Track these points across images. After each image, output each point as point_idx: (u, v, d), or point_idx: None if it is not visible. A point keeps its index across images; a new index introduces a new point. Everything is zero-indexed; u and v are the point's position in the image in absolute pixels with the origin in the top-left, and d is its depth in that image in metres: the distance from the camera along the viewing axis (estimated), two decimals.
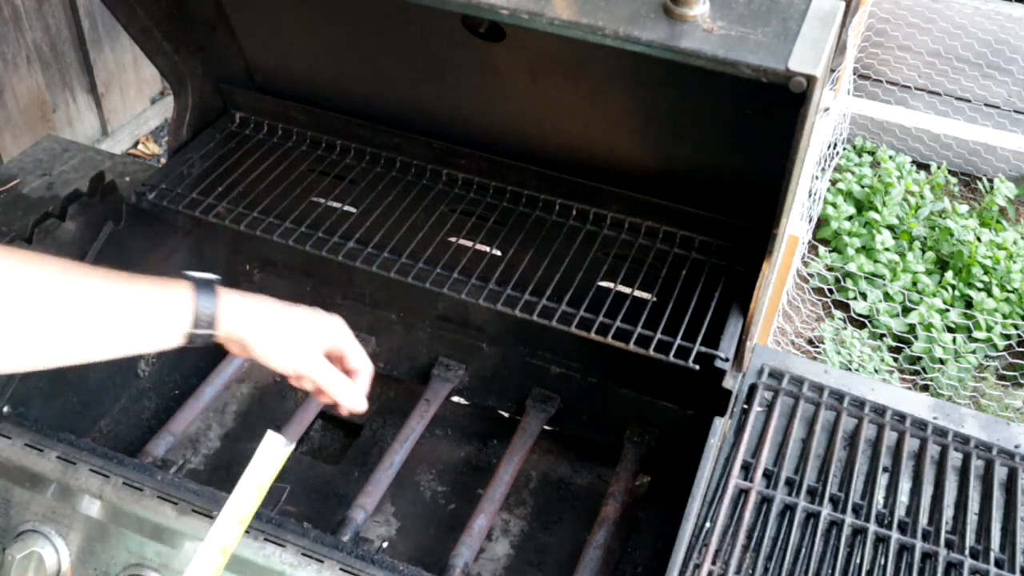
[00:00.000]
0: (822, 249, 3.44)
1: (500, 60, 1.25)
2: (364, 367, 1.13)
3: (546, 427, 1.53)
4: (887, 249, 3.36)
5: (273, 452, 1.06)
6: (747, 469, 1.24)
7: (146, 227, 1.46)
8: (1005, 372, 3.03)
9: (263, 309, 1.05)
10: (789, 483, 1.24)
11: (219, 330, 1.01)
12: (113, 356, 0.97)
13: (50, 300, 0.90)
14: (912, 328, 3.10)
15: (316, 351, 1.08)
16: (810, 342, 3.10)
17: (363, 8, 1.29)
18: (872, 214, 3.47)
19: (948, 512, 1.22)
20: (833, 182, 3.68)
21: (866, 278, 3.26)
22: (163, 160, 3.31)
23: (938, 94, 4.04)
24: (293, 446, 1.12)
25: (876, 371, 2.97)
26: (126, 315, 0.96)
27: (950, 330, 3.13)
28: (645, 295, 1.29)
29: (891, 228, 3.49)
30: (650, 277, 1.30)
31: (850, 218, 3.52)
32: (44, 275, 0.91)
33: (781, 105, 0.94)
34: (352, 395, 1.09)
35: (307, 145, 1.50)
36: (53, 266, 0.92)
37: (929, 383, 2.98)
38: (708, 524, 1.16)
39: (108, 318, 0.94)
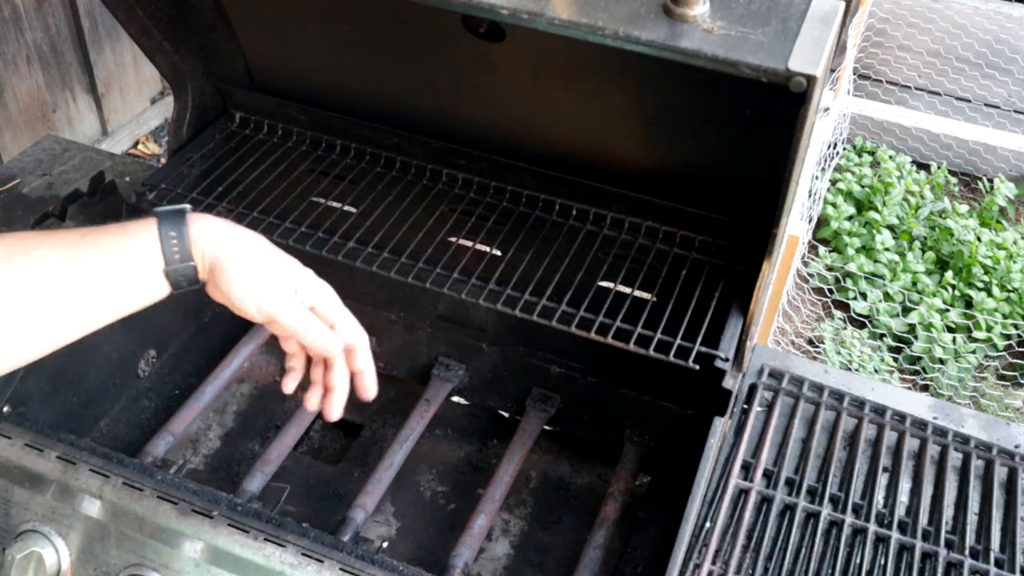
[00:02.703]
0: (822, 249, 3.44)
1: (500, 60, 1.25)
2: (357, 336, 0.98)
3: (546, 427, 1.53)
4: (887, 249, 3.36)
5: None
6: (747, 469, 1.24)
7: None
8: (1005, 372, 3.03)
9: (242, 233, 0.95)
10: (789, 483, 1.24)
11: (196, 258, 0.91)
12: (97, 326, 0.89)
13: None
14: (912, 328, 3.10)
15: (291, 292, 0.95)
16: (810, 342, 3.10)
17: (363, 8, 1.29)
18: (872, 214, 3.47)
19: (948, 512, 1.22)
20: (833, 182, 3.68)
21: (866, 278, 3.26)
22: (163, 160, 3.31)
23: (938, 94, 4.04)
24: None
25: (876, 371, 2.97)
26: (91, 280, 0.87)
27: (950, 330, 3.14)
28: (645, 295, 1.29)
29: (891, 228, 3.49)
30: (650, 277, 1.30)
31: (850, 218, 3.52)
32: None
33: (781, 105, 0.94)
34: (331, 341, 0.94)
35: (307, 145, 1.50)
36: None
37: (929, 383, 2.98)
38: (708, 524, 1.16)
39: (72, 292, 0.86)
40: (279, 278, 0.95)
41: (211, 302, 0.94)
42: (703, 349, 1.18)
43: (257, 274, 0.93)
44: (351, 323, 0.99)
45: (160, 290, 0.92)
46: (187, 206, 0.94)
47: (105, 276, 0.88)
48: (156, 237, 0.90)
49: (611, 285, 1.31)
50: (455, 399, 1.61)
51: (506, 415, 1.60)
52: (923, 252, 3.43)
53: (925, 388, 2.98)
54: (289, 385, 1.02)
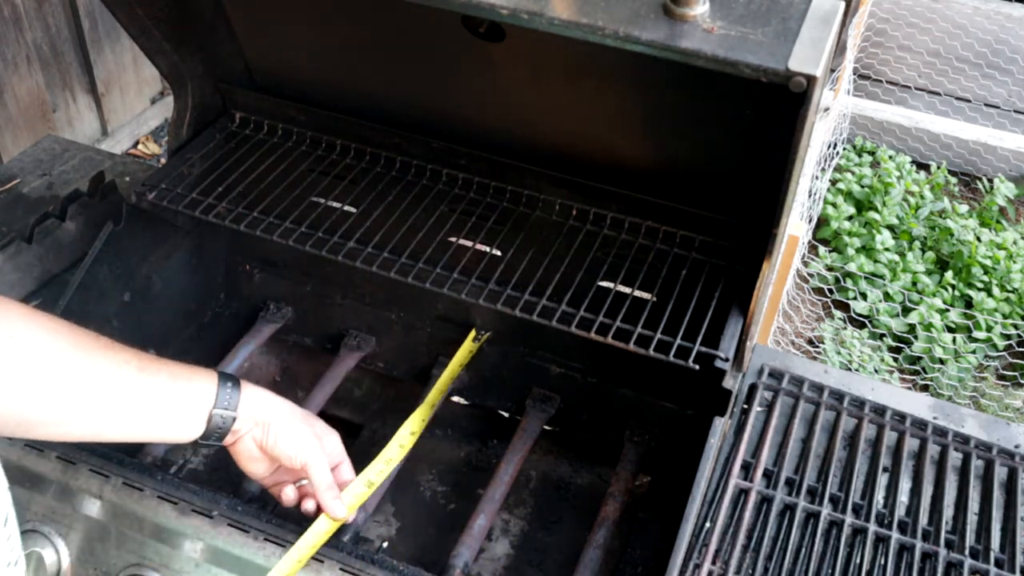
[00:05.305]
0: (822, 249, 3.44)
1: (500, 60, 1.25)
2: (351, 478, 1.21)
3: (546, 427, 1.53)
4: (887, 249, 3.37)
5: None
6: (747, 469, 1.24)
7: (146, 227, 1.46)
8: (1005, 372, 3.03)
9: (281, 401, 1.16)
10: (789, 483, 1.24)
11: (240, 411, 1.09)
12: (134, 440, 1.03)
13: (85, 385, 0.95)
14: (912, 328, 3.10)
15: (320, 446, 1.16)
16: (810, 342, 3.10)
17: (363, 8, 1.29)
18: (872, 214, 3.47)
19: (948, 512, 1.22)
20: (833, 182, 3.68)
21: (866, 278, 3.26)
22: (163, 160, 3.31)
23: (938, 94, 4.04)
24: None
25: (876, 371, 2.97)
26: (154, 403, 1.02)
27: (950, 330, 3.14)
28: (645, 295, 1.29)
29: (891, 228, 3.49)
30: (650, 277, 1.30)
31: (850, 218, 3.52)
32: (85, 359, 0.95)
33: (781, 105, 0.94)
34: (338, 501, 1.14)
35: (307, 145, 1.50)
36: (93, 347, 0.96)
37: (929, 383, 2.98)
38: (708, 524, 1.16)
39: (137, 408, 1.00)
40: (314, 434, 1.16)
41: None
42: (703, 349, 1.18)
43: (300, 429, 1.14)
44: (349, 465, 1.23)
45: (195, 428, 1.07)
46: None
47: (165, 403, 1.03)
48: (216, 381, 1.08)
49: (611, 285, 1.31)
50: (455, 399, 1.61)
51: (506, 415, 1.60)
52: (923, 252, 3.43)
53: (925, 388, 2.98)
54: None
